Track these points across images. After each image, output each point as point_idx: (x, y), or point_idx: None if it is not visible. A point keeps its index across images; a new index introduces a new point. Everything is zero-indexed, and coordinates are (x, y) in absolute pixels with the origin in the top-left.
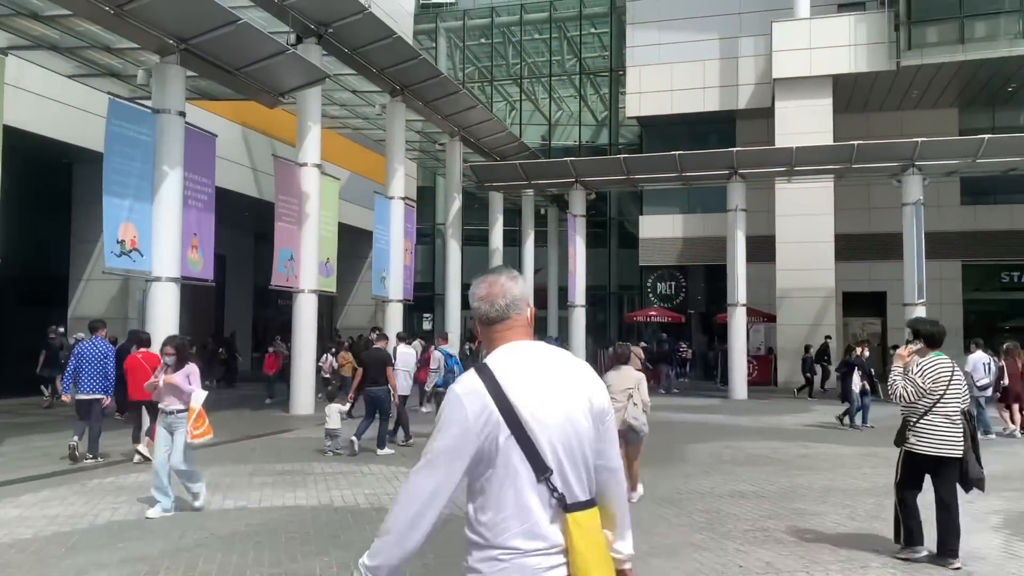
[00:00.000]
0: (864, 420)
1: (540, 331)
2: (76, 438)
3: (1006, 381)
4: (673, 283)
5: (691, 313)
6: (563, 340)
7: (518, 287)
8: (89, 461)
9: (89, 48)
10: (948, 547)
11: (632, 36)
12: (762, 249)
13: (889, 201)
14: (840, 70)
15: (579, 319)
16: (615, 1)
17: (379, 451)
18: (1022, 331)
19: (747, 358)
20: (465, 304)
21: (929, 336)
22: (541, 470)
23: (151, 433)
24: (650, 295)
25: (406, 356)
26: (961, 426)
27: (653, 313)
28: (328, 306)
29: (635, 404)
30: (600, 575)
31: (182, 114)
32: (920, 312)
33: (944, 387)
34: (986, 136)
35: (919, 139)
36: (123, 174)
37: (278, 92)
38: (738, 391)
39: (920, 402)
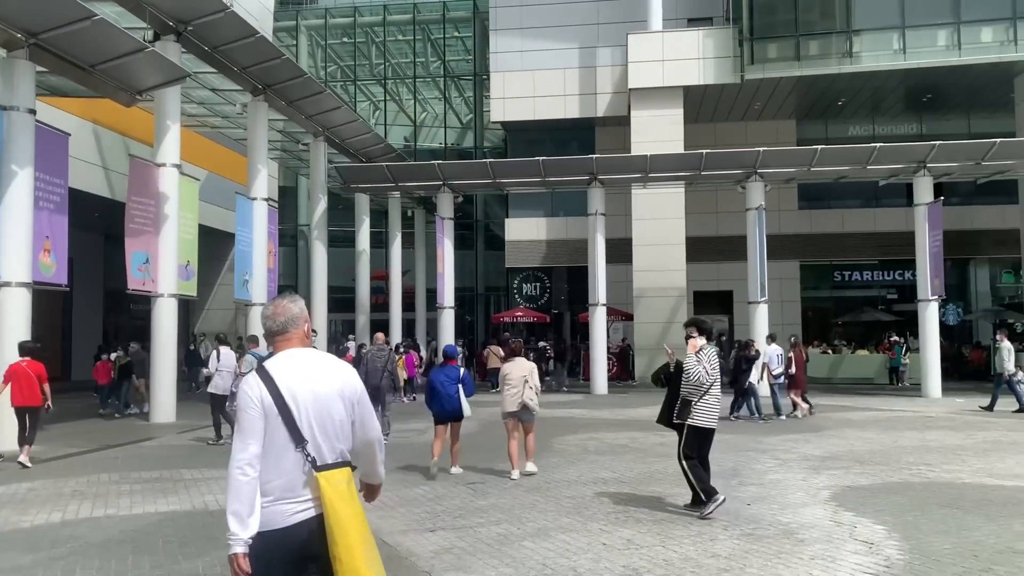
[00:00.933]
0: (759, 412)
1: (408, 334)
2: None
3: (792, 370)
4: (538, 284)
5: (555, 313)
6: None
7: (296, 308)
8: None
9: None
10: (712, 492)
11: (495, 42)
12: (620, 251)
13: (735, 206)
14: (690, 82)
15: (448, 320)
16: (478, 6)
17: None
18: (853, 325)
19: (608, 355)
20: (333, 307)
21: (709, 332)
22: (298, 441)
23: (29, 441)
24: (516, 296)
25: (228, 358)
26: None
27: (519, 313)
28: (184, 310)
29: (530, 388)
30: (347, 515)
31: (32, 112)
32: (763, 309)
33: (718, 373)
34: (819, 147)
35: (760, 149)
36: None
37: (136, 90)
38: (599, 386)
39: (704, 384)
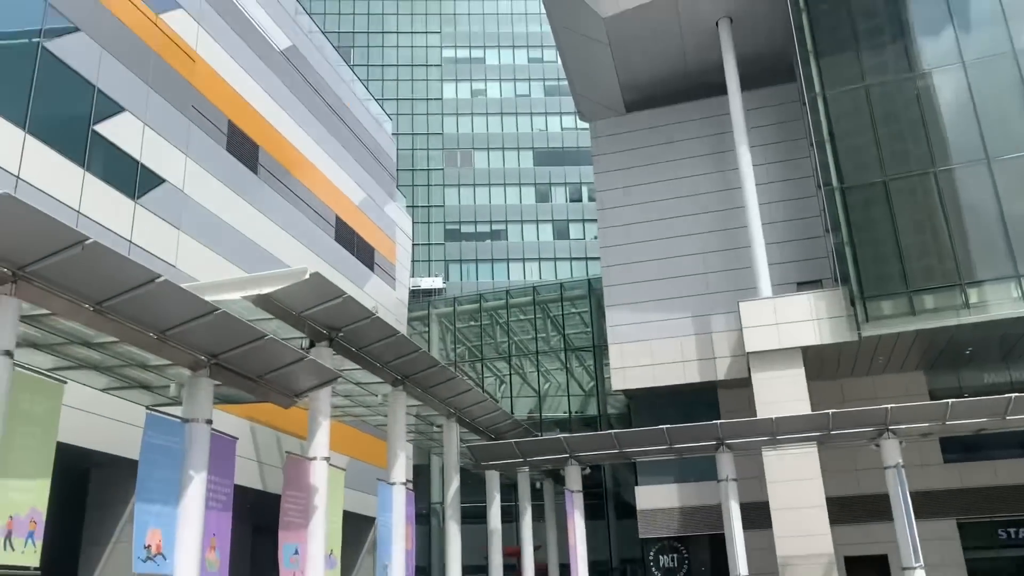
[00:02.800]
0: None
1: None
2: None
3: None
4: (675, 555)
5: None
6: None
7: None
8: None
9: (126, 366)
10: None
11: (611, 316)
12: (758, 515)
13: (874, 462)
14: (807, 342)
15: None
16: (592, 285)
17: None
18: None
19: None
20: None
21: None
22: None
23: None
24: (653, 568)
25: None
26: None
27: None
28: None
29: None
30: None
31: (209, 422)
32: (921, 575)
33: None
34: (950, 400)
35: (888, 406)
36: (154, 481)
37: (294, 393)
38: None
39: None
